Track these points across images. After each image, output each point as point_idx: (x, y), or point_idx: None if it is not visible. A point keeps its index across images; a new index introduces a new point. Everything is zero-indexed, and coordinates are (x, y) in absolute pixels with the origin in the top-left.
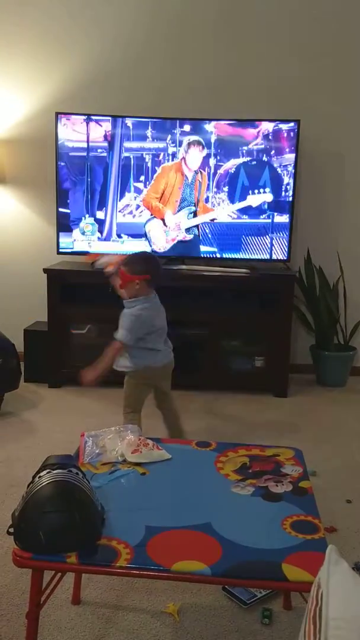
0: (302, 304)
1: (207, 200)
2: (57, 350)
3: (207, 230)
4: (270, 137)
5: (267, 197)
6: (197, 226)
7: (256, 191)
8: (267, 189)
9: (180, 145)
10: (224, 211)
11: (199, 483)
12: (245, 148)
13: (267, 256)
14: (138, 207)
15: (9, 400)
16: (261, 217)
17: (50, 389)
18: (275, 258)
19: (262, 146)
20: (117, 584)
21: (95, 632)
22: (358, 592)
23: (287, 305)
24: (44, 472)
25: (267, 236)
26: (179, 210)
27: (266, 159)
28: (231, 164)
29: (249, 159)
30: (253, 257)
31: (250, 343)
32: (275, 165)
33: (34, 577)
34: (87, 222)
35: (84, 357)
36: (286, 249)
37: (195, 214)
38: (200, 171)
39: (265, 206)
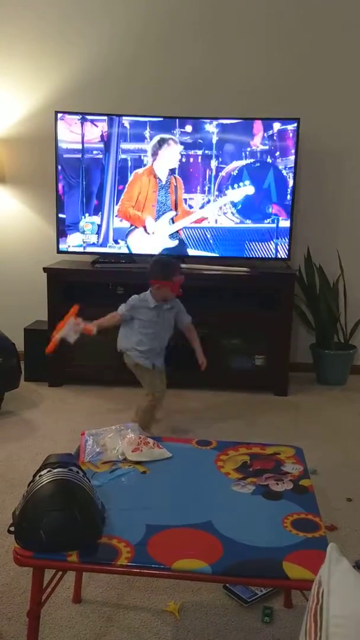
0: (302, 303)
1: (210, 201)
2: (57, 350)
3: (208, 235)
4: (274, 137)
5: (248, 189)
6: (178, 232)
7: (235, 185)
8: (247, 182)
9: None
10: (207, 212)
11: (200, 481)
12: (248, 149)
13: (267, 255)
14: None
15: (9, 400)
16: (265, 221)
17: (50, 388)
18: (276, 257)
19: (266, 147)
20: (117, 583)
21: (96, 631)
22: (359, 590)
23: (288, 303)
24: (45, 470)
25: (272, 241)
26: (158, 217)
27: (270, 161)
28: (233, 166)
29: (252, 160)
30: (253, 255)
31: (250, 342)
32: (280, 167)
33: (35, 576)
34: (86, 222)
35: (84, 356)
36: (286, 248)
37: (173, 220)
38: (174, 176)
39: (270, 209)
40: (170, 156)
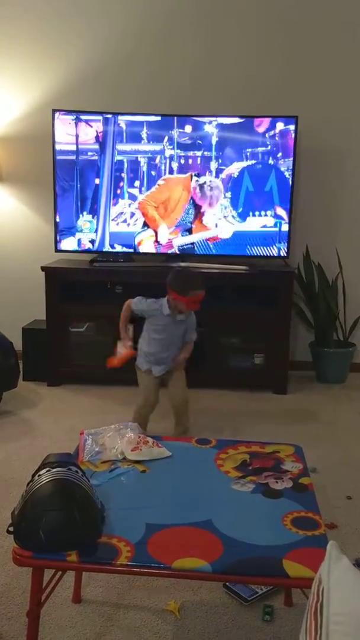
0: (301, 301)
1: (229, 222)
2: (56, 349)
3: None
4: (274, 136)
5: (267, 220)
6: (192, 243)
7: (257, 213)
8: (270, 212)
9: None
10: (221, 231)
11: (199, 480)
12: (249, 150)
13: (265, 253)
14: (133, 215)
15: (7, 399)
16: (268, 225)
17: (49, 388)
18: (274, 255)
19: (267, 148)
20: (117, 582)
21: (96, 631)
22: (359, 587)
23: (287, 302)
24: (44, 470)
25: (275, 246)
26: (175, 228)
27: (272, 162)
28: (234, 168)
29: (253, 162)
30: (252, 254)
31: (249, 340)
32: (282, 169)
33: (35, 576)
34: (84, 220)
35: (82, 355)
36: (285, 246)
37: (190, 231)
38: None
39: (272, 213)
40: (211, 202)
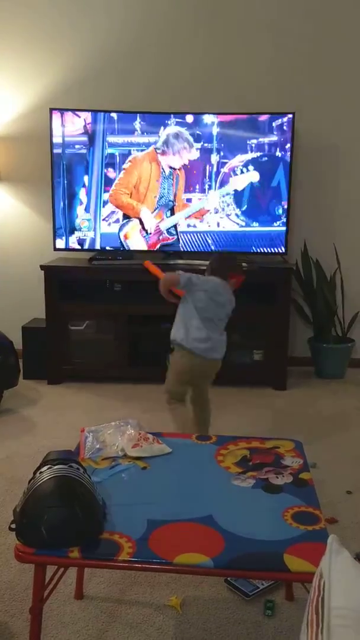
0: (300, 297)
1: (212, 189)
2: (56, 347)
3: (209, 241)
4: (271, 133)
5: (252, 176)
6: (175, 226)
7: (238, 171)
8: (251, 167)
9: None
10: (208, 203)
11: (200, 476)
12: (254, 141)
13: (264, 249)
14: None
15: (8, 398)
16: (275, 224)
17: (49, 386)
18: (272, 251)
19: (265, 140)
20: (119, 578)
21: (98, 627)
22: (359, 581)
23: (285, 298)
24: (45, 467)
25: (281, 247)
26: (157, 208)
27: (280, 154)
28: (237, 161)
29: (259, 154)
30: (250, 250)
31: (248, 336)
32: (288, 161)
33: (37, 573)
34: (83, 219)
35: (82, 353)
36: (283, 242)
37: (172, 211)
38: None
39: (280, 211)
40: (183, 157)
